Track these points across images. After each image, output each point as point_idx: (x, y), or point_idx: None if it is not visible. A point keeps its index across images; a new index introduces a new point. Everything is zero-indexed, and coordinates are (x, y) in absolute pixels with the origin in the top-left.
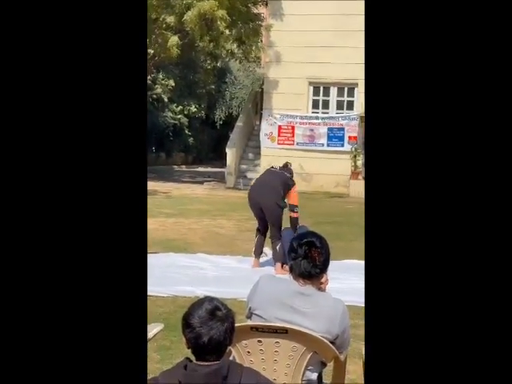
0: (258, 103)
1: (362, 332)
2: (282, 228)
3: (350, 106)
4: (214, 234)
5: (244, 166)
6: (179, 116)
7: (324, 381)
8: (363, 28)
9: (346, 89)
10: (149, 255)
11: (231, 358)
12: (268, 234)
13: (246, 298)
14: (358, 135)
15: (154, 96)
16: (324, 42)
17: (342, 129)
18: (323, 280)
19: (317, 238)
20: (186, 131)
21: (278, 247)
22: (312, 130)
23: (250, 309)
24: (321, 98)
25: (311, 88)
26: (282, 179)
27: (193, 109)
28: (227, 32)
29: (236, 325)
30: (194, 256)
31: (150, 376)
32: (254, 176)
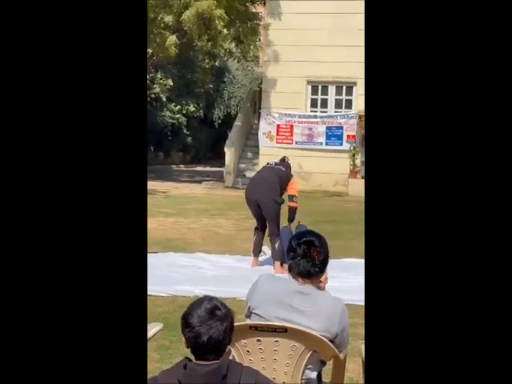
0: (256, 102)
1: (360, 331)
2: (281, 226)
3: (349, 104)
4: (212, 233)
5: (243, 166)
6: (177, 115)
7: (323, 379)
8: (361, 27)
9: (344, 87)
10: (148, 255)
11: (230, 358)
12: (267, 232)
13: (245, 298)
14: (356, 134)
15: (153, 95)
16: (322, 41)
17: (341, 127)
18: (323, 279)
19: (316, 237)
20: (185, 130)
21: (276, 245)
22: (310, 128)
23: (249, 308)
24: (319, 96)
25: (309, 87)
26: (279, 174)
27: (191, 108)
28: (225, 31)
29: (235, 324)
30: (193, 255)
31: (149, 376)
32: (252, 175)
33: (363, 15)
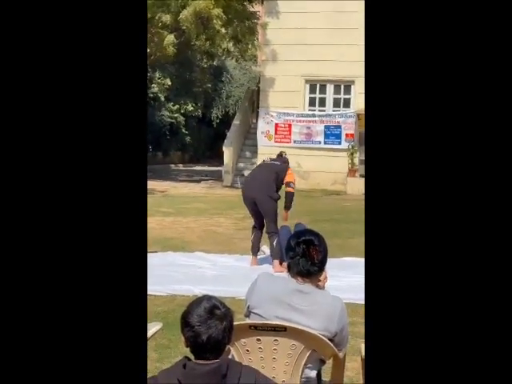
0: (254, 101)
1: (360, 329)
2: (280, 226)
3: (347, 103)
4: (211, 232)
5: (241, 165)
6: (176, 115)
7: (323, 378)
8: (359, 25)
9: (342, 86)
10: (147, 254)
11: (230, 357)
12: (265, 230)
13: (245, 297)
14: (354, 132)
15: (151, 95)
16: (320, 40)
17: (339, 126)
18: (322, 278)
19: (315, 236)
20: (183, 130)
21: (274, 243)
22: (309, 127)
23: (248, 307)
24: (317, 95)
25: (307, 86)
26: (275, 170)
27: (189, 107)
28: (223, 30)
29: (235, 323)
30: (192, 255)
31: (148, 375)
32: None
33: (361, 14)
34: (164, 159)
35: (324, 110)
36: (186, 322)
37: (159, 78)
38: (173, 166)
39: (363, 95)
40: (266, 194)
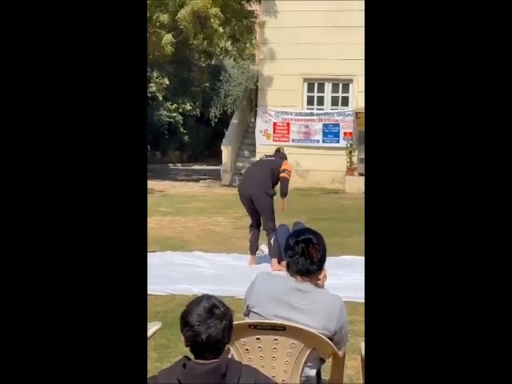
0: (252, 100)
1: (359, 328)
2: (278, 225)
3: (345, 101)
4: (210, 231)
5: (240, 164)
6: (174, 114)
7: (322, 377)
8: (357, 24)
9: (340, 85)
10: None
11: (230, 356)
12: (262, 228)
13: (244, 296)
14: (353, 131)
15: (149, 94)
16: (318, 39)
17: (337, 125)
18: (321, 276)
19: (313, 235)
20: (181, 129)
21: (272, 240)
22: (307, 126)
23: (247, 306)
24: (315, 94)
25: (306, 84)
26: (270, 166)
27: (187, 107)
28: (221, 30)
29: (234, 323)
30: (191, 254)
31: (148, 375)
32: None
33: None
34: (162, 159)
35: (322, 109)
36: (185, 322)
37: (157, 78)
38: (171, 165)
39: (361, 93)
40: (262, 190)
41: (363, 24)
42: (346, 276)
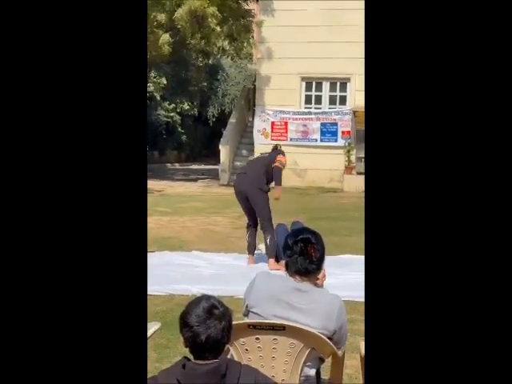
0: (250, 100)
1: (358, 327)
2: (276, 224)
3: (343, 100)
4: (208, 231)
5: (238, 163)
6: (172, 114)
7: (322, 376)
8: (354, 22)
9: (338, 84)
10: None
11: (229, 356)
12: (259, 228)
13: (243, 296)
14: (351, 130)
15: (147, 94)
16: (315, 38)
17: (335, 124)
18: (320, 276)
19: (312, 235)
20: (179, 129)
21: (268, 240)
22: (305, 125)
23: (246, 306)
24: (313, 93)
25: (303, 83)
26: (264, 163)
27: (185, 106)
28: (218, 29)
29: (233, 323)
30: (190, 254)
31: (148, 375)
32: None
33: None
34: (160, 158)
35: (320, 108)
36: (184, 323)
37: (155, 77)
38: (169, 165)
39: (359, 92)
40: (256, 186)
41: (361, 22)
42: (343, 275)
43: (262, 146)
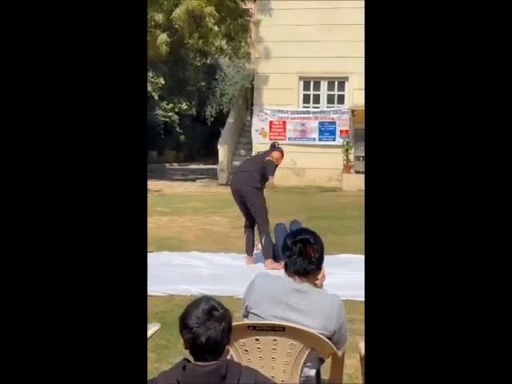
0: (248, 99)
1: (358, 326)
2: (275, 224)
3: (341, 99)
4: (207, 231)
5: (236, 163)
6: (170, 114)
7: (322, 377)
8: (353, 21)
9: (336, 83)
10: None
11: (229, 357)
12: (256, 228)
13: (242, 296)
14: (349, 129)
15: (147, 94)
16: (313, 37)
17: (334, 123)
18: (320, 276)
19: (311, 235)
20: (177, 129)
21: (263, 241)
22: (303, 124)
23: (246, 307)
24: (311, 92)
25: (301, 83)
26: (259, 161)
27: (183, 106)
28: (216, 28)
29: (233, 324)
30: (189, 254)
31: (147, 376)
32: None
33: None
34: (159, 158)
35: (318, 107)
36: (184, 325)
37: (152, 77)
38: (168, 165)
39: (357, 91)
40: (250, 185)
41: (359, 21)
42: (342, 274)
43: (260, 145)
